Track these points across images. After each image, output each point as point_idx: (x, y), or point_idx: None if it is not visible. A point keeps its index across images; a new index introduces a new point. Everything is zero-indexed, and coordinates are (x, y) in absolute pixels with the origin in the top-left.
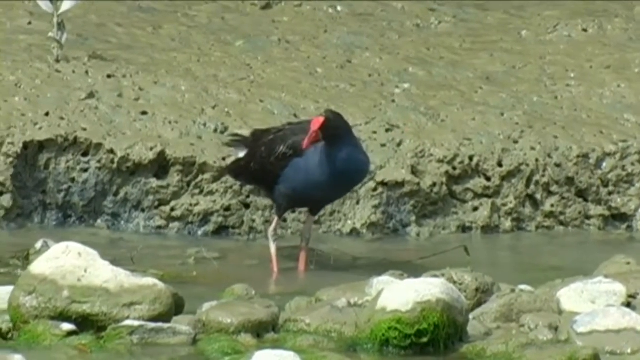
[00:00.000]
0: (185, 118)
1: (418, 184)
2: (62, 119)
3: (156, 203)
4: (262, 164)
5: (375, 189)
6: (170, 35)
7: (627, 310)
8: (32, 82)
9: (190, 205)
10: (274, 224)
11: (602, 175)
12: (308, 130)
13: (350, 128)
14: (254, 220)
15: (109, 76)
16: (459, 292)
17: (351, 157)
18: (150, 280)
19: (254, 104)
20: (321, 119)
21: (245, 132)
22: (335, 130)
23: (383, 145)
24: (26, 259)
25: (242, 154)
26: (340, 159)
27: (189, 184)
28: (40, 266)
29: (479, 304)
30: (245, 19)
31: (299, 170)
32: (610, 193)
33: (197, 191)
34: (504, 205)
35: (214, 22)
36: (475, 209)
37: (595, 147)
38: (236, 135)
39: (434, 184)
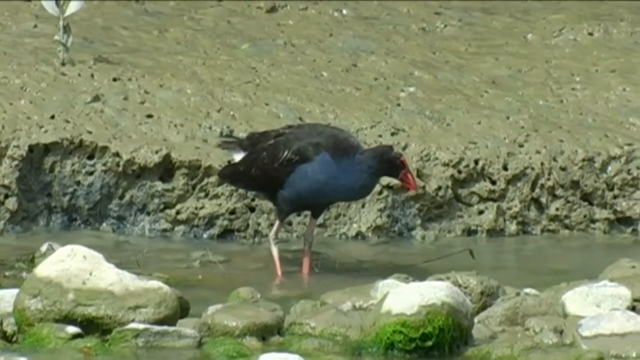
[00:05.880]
0: (191, 121)
1: (423, 187)
2: (67, 122)
3: (161, 206)
4: (264, 169)
5: (380, 193)
6: (176, 38)
7: (632, 314)
8: (38, 85)
9: (196, 208)
10: (275, 228)
11: (607, 178)
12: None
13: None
14: (259, 224)
15: (114, 79)
16: (464, 296)
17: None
18: (155, 284)
19: (260, 107)
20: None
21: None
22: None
23: None
24: (31, 262)
25: (237, 157)
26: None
27: (194, 187)
28: (45, 269)
29: (484, 307)
30: (251, 22)
31: (305, 176)
32: (615, 197)
33: (202, 194)
34: (509, 208)
35: (219, 26)
36: (481, 212)
37: (601, 150)
38: (228, 136)
39: (440, 188)
